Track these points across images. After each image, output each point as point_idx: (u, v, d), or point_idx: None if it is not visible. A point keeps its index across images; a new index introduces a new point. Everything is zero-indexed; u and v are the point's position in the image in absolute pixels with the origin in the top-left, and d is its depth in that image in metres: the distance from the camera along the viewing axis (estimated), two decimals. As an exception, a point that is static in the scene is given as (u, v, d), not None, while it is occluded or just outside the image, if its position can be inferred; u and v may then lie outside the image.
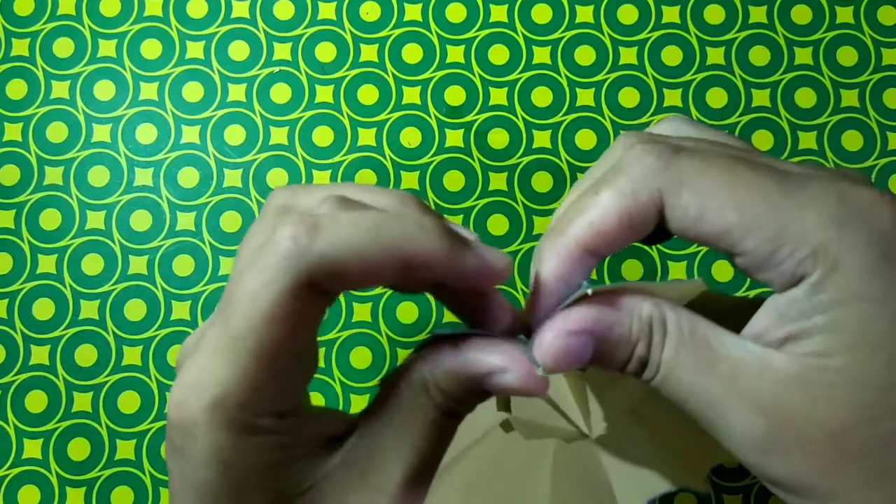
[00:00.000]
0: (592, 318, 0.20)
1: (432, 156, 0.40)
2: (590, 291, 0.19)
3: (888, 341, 0.18)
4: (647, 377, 0.20)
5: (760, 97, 0.40)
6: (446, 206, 0.40)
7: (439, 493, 0.29)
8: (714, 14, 0.41)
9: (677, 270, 0.39)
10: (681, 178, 0.19)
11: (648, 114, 0.40)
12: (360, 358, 0.39)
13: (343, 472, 0.20)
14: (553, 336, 0.19)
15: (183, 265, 0.39)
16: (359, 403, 0.38)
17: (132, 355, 0.39)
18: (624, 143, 0.20)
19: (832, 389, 0.18)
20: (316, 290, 0.18)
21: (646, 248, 0.39)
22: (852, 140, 0.40)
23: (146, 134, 0.40)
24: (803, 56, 0.40)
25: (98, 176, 0.40)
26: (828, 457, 0.18)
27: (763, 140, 0.40)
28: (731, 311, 0.22)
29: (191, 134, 0.40)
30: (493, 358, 0.20)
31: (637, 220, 0.19)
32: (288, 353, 0.19)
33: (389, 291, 0.39)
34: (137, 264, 0.39)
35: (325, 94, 0.40)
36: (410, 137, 0.40)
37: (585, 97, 0.40)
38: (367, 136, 0.40)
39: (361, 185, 0.22)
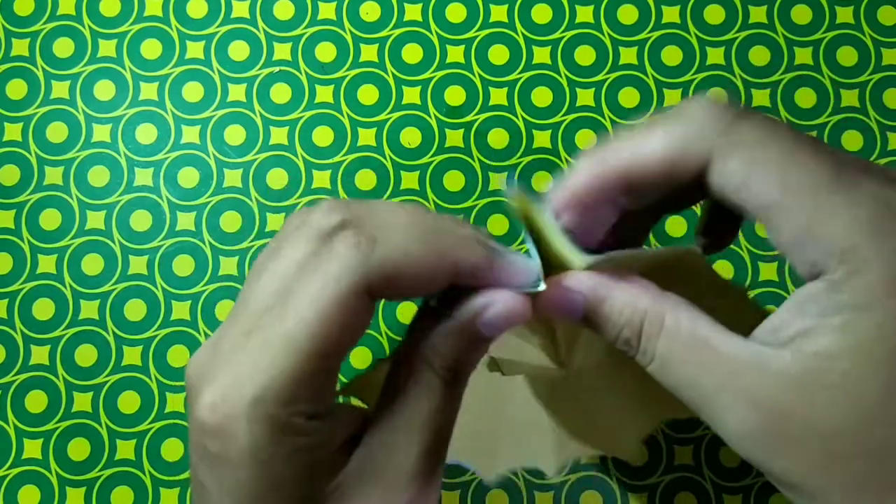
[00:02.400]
0: (591, 285, 0.21)
1: (432, 156, 0.40)
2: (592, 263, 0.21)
3: None
4: (642, 363, 0.21)
5: (760, 97, 0.40)
6: (446, 206, 0.40)
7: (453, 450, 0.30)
8: (714, 14, 0.41)
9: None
10: (736, 144, 0.19)
11: (648, 114, 0.40)
12: (360, 358, 0.39)
13: (362, 471, 0.20)
14: (553, 288, 0.21)
15: (183, 265, 0.39)
16: (358, 403, 0.38)
17: (132, 355, 0.39)
18: (697, 97, 0.21)
19: (832, 392, 0.18)
20: (370, 296, 0.19)
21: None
22: (852, 140, 0.40)
23: (146, 134, 0.40)
24: (803, 56, 0.40)
25: (98, 176, 0.40)
26: (816, 458, 0.18)
27: (763, 140, 0.40)
28: (713, 290, 0.23)
29: (191, 134, 0.40)
30: (477, 300, 0.21)
31: (677, 170, 0.20)
32: (337, 354, 0.19)
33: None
34: (137, 264, 0.39)
35: (325, 94, 0.41)
36: (410, 137, 0.40)
37: (585, 97, 0.40)
38: (367, 136, 0.40)
39: (372, 202, 0.22)
